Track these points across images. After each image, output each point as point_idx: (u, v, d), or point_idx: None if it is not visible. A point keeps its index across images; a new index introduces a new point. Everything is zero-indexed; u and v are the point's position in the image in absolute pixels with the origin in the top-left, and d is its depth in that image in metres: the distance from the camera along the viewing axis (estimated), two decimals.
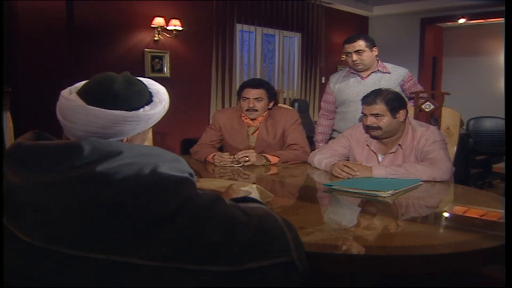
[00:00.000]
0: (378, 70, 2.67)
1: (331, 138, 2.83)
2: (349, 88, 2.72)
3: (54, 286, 0.82)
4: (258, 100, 2.50)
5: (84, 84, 0.98)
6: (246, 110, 2.53)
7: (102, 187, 0.82)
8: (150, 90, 1.03)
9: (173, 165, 0.89)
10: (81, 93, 0.95)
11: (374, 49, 2.64)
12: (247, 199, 1.13)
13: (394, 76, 2.68)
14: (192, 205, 0.85)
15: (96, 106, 0.92)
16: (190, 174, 0.92)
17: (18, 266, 0.84)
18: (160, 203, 0.82)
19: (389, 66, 2.71)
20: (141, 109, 0.97)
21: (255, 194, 1.52)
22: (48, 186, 0.84)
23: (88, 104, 0.92)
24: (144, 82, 1.04)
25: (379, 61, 2.70)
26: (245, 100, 2.52)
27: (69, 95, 0.95)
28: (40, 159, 0.86)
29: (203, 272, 0.82)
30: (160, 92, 1.05)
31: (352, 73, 2.73)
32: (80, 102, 0.92)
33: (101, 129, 0.92)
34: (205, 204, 0.87)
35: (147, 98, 1.00)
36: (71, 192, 0.82)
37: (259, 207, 1.01)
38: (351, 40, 2.63)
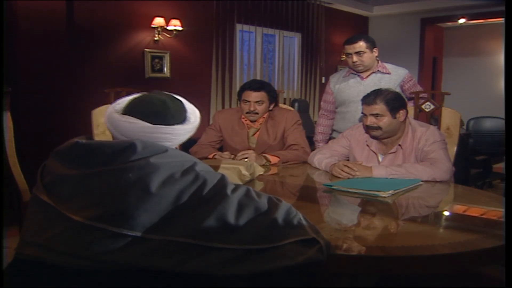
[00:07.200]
0: (378, 70, 2.67)
1: (331, 138, 2.83)
2: (349, 89, 2.71)
3: (101, 261, 0.90)
4: (259, 103, 2.49)
5: (135, 105, 1.09)
6: (247, 113, 2.52)
7: (156, 173, 0.93)
8: (184, 105, 1.17)
9: (201, 164, 1.04)
10: (136, 114, 1.06)
11: (375, 50, 2.64)
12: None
13: (394, 77, 2.67)
14: (224, 194, 0.98)
15: (161, 124, 1.06)
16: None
17: (67, 243, 0.92)
18: (206, 190, 0.96)
19: (389, 66, 2.71)
20: (191, 121, 1.13)
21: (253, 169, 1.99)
22: (104, 175, 0.95)
23: (154, 124, 1.05)
24: (177, 98, 1.18)
25: (380, 62, 2.70)
26: (246, 102, 2.51)
27: (126, 118, 1.05)
28: (97, 155, 0.98)
29: (227, 249, 0.92)
30: (194, 109, 1.19)
31: (352, 73, 2.72)
32: (143, 123, 1.04)
33: (163, 141, 1.05)
34: (235, 193, 1.00)
35: (184, 111, 1.14)
36: (126, 177, 0.93)
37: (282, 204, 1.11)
38: (352, 41, 2.62)
